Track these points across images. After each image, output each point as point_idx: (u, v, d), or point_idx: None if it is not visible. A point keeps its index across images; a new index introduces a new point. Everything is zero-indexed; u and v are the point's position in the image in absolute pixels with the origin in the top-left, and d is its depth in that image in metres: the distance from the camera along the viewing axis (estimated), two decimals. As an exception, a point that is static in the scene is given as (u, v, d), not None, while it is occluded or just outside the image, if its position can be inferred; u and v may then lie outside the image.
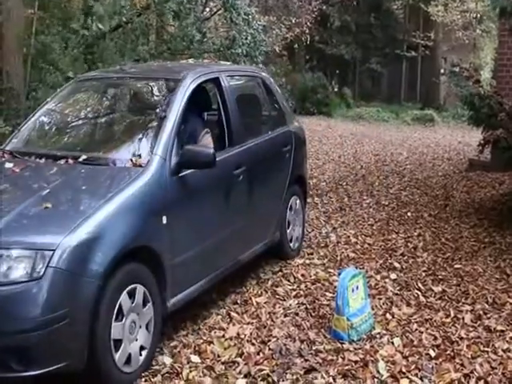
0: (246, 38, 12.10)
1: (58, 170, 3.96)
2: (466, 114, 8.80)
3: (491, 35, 25.72)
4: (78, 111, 4.97)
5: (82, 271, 3.19)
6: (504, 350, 3.92)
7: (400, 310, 4.60)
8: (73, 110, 5.00)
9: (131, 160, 3.92)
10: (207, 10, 13.76)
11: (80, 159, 3.99)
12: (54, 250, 3.11)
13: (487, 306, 4.67)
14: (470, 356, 3.84)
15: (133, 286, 3.51)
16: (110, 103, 5.05)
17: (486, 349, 3.94)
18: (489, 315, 4.50)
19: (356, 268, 5.40)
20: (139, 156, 3.95)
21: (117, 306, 3.37)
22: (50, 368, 3.09)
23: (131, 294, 3.50)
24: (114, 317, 3.36)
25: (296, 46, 21.71)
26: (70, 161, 3.99)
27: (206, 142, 4.67)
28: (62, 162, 4.00)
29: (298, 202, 5.91)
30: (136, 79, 5.10)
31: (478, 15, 25.64)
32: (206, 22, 12.95)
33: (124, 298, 3.43)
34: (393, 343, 4.02)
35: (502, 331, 4.21)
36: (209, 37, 12.33)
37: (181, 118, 4.23)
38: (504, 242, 6.29)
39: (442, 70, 27.35)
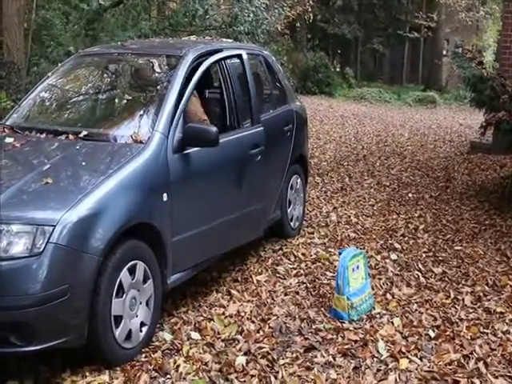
0: (248, 16, 11.99)
1: (59, 145, 3.93)
2: (468, 95, 8.79)
3: (495, 17, 25.58)
4: (78, 87, 4.92)
5: (83, 247, 3.18)
6: (503, 332, 3.92)
7: (400, 290, 4.60)
8: (74, 85, 4.95)
9: (132, 136, 3.89)
10: (210, -14, 13.60)
11: (81, 135, 3.96)
12: (54, 226, 3.09)
13: (487, 288, 4.67)
14: (469, 337, 3.84)
15: (133, 262, 3.49)
16: (111, 79, 5.00)
17: (485, 330, 3.95)
18: (489, 297, 4.50)
19: (356, 248, 5.40)
20: (140, 132, 3.92)
21: (117, 282, 3.37)
22: (50, 344, 3.09)
23: (132, 271, 3.49)
24: (115, 293, 3.35)
25: (298, 24, 21.52)
26: (71, 136, 3.96)
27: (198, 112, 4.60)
28: (63, 137, 3.97)
29: (298, 181, 5.89)
30: (137, 55, 5.04)
31: (482, -4, 25.45)
32: (208, -1, 12.82)
33: (124, 274, 3.42)
34: (393, 323, 4.02)
35: (502, 313, 4.22)
36: (211, 14, 12.21)
37: (182, 94, 4.18)
38: (505, 225, 6.29)
39: (445, 52, 27.20)
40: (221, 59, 4.79)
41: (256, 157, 4.76)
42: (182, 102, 4.10)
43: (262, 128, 4.93)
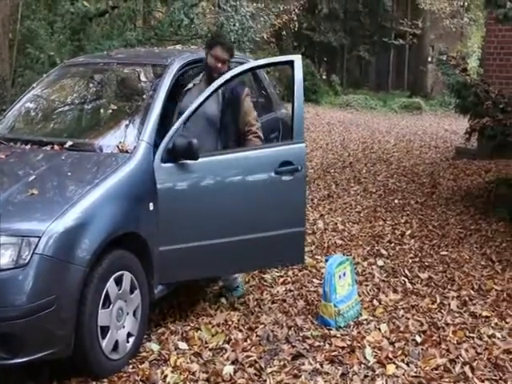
0: (234, 25, 12.05)
1: (44, 156, 3.93)
2: (453, 102, 8.84)
3: (478, 24, 25.79)
4: (64, 97, 4.92)
5: (69, 258, 3.18)
6: (489, 336, 3.95)
7: (387, 296, 4.63)
8: (59, 95, 4.94)
9: (117, 146, 3.89)
10: (195, -5, 13.64)
11: (66, 145, 3.96)
12: (39, 237, 3.09)
13: (473, 293, 4.71)
14: (455, 341, 3.87)
15: (120, 272, 3.49)
16: (97, 89, 5.00)
17: (471, 334, 3.98)
18: (474, 301, 4.54)
19: (343, 255, 5.42)
20: (125, 142, 3.92)
21: (104, 293, 3.36)
22: (37, 355, 3.08)
23: (118, 281, 3.49)
24: (101, 303, 3.34)
25: (284, 33, 21.63)
26: (56, 147, 3.96)
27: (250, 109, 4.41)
28: (48, 148, 3.97)
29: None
30: (123, 65, 5.04)
31: (466, 3, 25.72)
32: (194, 8, 12.85)
33: (111, 284, 3.42)
34: (379, 329, 4.04)
35: (488, 317, 4.25)
36: (196, 23, 12.24)
37: (168, 103, 4.19)
38: (490, 229, 6.34)
39: (430, 58, 27.41)
40: (200, 68, 4.79)
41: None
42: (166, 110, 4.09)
43: None
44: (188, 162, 3.92)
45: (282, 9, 17.70)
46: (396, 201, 7.63)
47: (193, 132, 4.03)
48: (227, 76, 4.18)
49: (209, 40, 4.48)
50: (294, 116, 4.19)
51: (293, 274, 5.04)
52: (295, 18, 19.71)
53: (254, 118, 4.39)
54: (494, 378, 3.45)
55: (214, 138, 4.33)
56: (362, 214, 7.00)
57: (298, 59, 4.27)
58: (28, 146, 4.04)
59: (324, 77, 27.05)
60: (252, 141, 4.30)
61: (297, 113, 4.19)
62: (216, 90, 4.16)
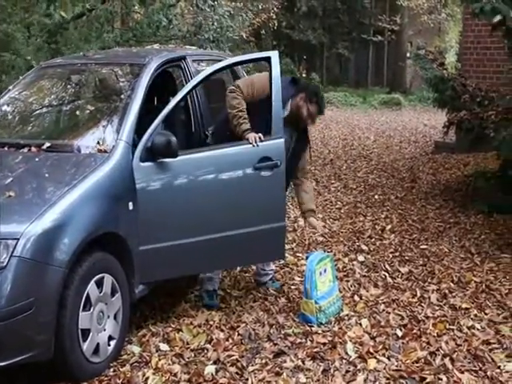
0: (213, 24, 12.03)
1: (22, 158, 3.89)
2: (432, 96, 8.92)
3: (456, 19, 26.01)
4: (41, 98, 4.88)
5: (48, 260, 3.15)
6: (469, 327, 3.99)
7: (368, 291, 4.66)
8: (36, 97, 4.90)
9: (96, 146, 3.88)
10: (173, -4, 13.59)
11: (44, 147, 3.93)
12: (17, 239, 3.07)
13: (452, 285, 4.75)
14: (435, 334, 3.90)
15: (100, 275, 3.47)
16: (74, 90, 4.96)
17: (451, 327, 4.02)
18: (454, 294, 4.58)
19: (324, 251, 5.44)
20: (104, 142, 3.91)
21: (84, 296, 3.34)
22: (16, 359, 3.05)
23: (99, 284, 3.47)
24: (82, 306, 3.33)
25: (263, 31, 21.67)
26: (34, 149, 3.93)
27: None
28: (26, 150, 3.94)
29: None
30: (100, 65, 5.01)
31: (443, -1, 25.90)
32: (172, 9, 12.80)
33: (92, 287, 3.40)
34: (361, 324, 4.06)
35: (467, 309, 4.30)
36: (175, 23, 12.21)
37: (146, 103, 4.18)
38: (468, 222, 6.40)
39: (408, 54, 27.56)
40: (178, 66, 4.79)
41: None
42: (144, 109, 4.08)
43: None
44: (167, 160, 3.91)
45: (260, 7, 17.73)
46: (376, 196, 7.68)
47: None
48: (205, 73, 4.18)
49: (313, 90, 4.46)
50: (272, 112, 4.19)
51: (274, 271, 5.04)
52: (274, 17, 19.76)
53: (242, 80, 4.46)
54: (474, 368, 3.48)
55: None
56: (342, 211, 7.03)
57: (274, 55, 4.27)
58: (5, 149, 4.01)
59: (304, 75, 27.07)
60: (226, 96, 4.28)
61: (275, 108, 4.19)
62: (193, 89, 4.16)
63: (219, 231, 4.05)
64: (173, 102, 4.05)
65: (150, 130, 3.90)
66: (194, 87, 4.16)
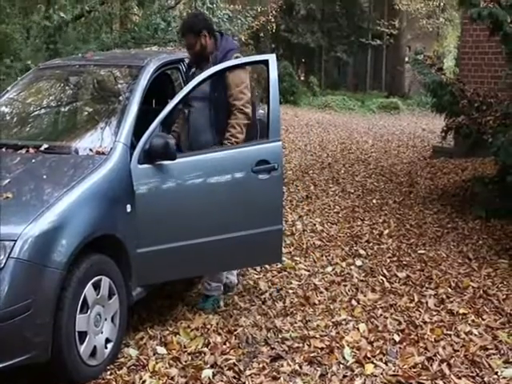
0: (212, 27, 12.01)
1: (20, 159, 3.89)
2: (430, 101, 8.92)
3: (454, 23, 26.09)
4: (39, 100, 4.88)
5: (45, 261, 3.14)
6: (466, 333, 3.99)
7: (365, 296, 4.65)
8: (34, 98, 4.90)
9: (94, 148, 3.87)
10: (172, -2, 13.62)
11: (42, 148, 3.93)
12: (15, 241, 3.06)
13: (450, 290, 4.74)
14: (433, 339, 3.89)
15: (98, 277, 3.46)
16: (73, 91, 4.96)
17: (448, 332, 4.01)
18: (451, 299, 4.58)
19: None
20: (102, 144, 3.90)
21: (81, 298, 3.33)
22: (14, 361, 3.04)
23: (96, 286, 3.46)
24: (79, 308, 3.31)
25: (262, 34, 21.69)
26: (32, 150, 3.92)
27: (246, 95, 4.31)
28: (23, 151, 3.93)
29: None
30: (98, 67, 5.02)
31: (441, 4, 25.97)
32: (171, 11, 12.82)
33: (89, 289, 3.39)
34: (358, 329, 4.05)
35: (465, 314, 4.29)
36: (173, 26, 12.21)
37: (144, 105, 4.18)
38: (466, 227, 6.40)
39: (407, 59, 27.62)
40: (176, 69, 4.80)
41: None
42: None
43: None
44: (165, 162, 3.90)
45: (259, 10, 17.76)
46: (374, 201, 7.68)
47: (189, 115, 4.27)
48: (200, 78, 4.17)
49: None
50: (270, 115, 4.17)
51: (272, 275, 5.04)
52: (273, 20, 19.78)
53: (239, 91, 4.26)
54: (471, 374, 3.47)
55: (208, 117, 4.34)
56: (340, 215, 7.03)
57: (272, 58, 4.26)
58: (3, 150, 4.00)
59: (302, 78, 27.14)
60: (235, 116, 4.23)
61: (272, 111, 4.18)
62: (190, 92, 4.15)
63: (216, 234, 4.04)
64: (171, 104, 4.05)
65: (148, 133, 3.89)
66: (192, 90, 4.15)
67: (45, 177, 3.76)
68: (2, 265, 3.02)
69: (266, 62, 4.26)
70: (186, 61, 4.85)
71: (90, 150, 3.87)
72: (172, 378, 3.42)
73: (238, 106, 4.24)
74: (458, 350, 3.75)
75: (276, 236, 4.26)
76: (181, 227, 3.98)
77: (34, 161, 3.84)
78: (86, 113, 4.69)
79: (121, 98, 4.40)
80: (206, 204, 4.04)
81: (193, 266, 4.11)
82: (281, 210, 4.38)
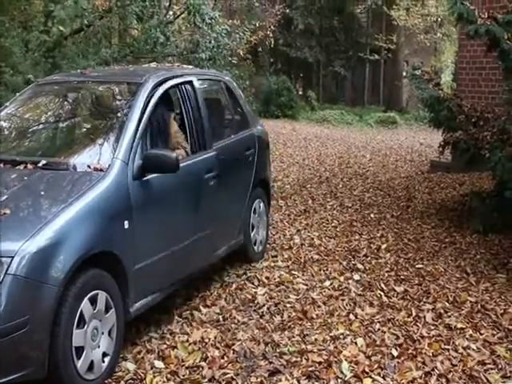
0: (210, 42, 12.10)
1: (17, 175, 3.90)
2: (427, 116, 8.96)
3: (452, 39, 26.21)
4: (38, 115, 4.90)
5: (42, 278, 3.15)
6: (464, 348, 3.99)
7: (363, 310, 4.65)
8: (33, 114, 4.93)
9: (92, 165, 3.89)
10: (170, 13, 13.70)
11: (39, 164, 3.94)
12: (12, 257, 3.06)
13: (448, 305, 4.74)
14: (431, 354, 3.90)
15: (94, 292, 3.47)
16: (71, 107, 4.98)
17: (446, 346, 4.01)
18: (449, 313, 4.58)
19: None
20: (100, 160, 3.92)
21: (78, 313, 3.33)
22: (10, 377, 3.03)
23: (93, 301, 3.46)
24: (76, 324, 3.31)
25: (260, 49, 21.80)
26: (30, 166, 3.93)
27: (173, 126, 4.74)
28: (21, 167, 3.94)
29: (261, 205, 5.93)
30: (97, 83, 5.05)
31: (439, 19, 26.15)
32: (170, 26, 12.89)
33: (85, 304, 3.39)
34: (356, 343, 4.05)
35: (462, 329, 4.29)
36: (172, 40, 12.29)
37: (143, 121, 4.20)
38: (464, 242, 6.41)
39: (404, 73, 27.76)
40: (175, 86, 4.85)
41: (210, 181, 4.77)
42: (140, 128, 4.11)
43: (214, 153, 4.94)
44: (153, 175, 4.04)
45: (257, 25, 17.86)
46: (372, 215, 7.69)
47: None
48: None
49: None
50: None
51: (269, 289, 5.05)
52: (271, 35, 19.87)
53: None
54: (469, 389, 3.48)
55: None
56: (338, 229, 7.03)
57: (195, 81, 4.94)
58: (1, 165, 4.01)
59: (300, 92, 27.25)
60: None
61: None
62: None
63: (200, 232, 4.61)
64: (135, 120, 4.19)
65: (129, 149, 3.96)
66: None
67: (42, 193, 3.77)
68: (0, 281, 3.02)
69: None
70: (178, 78, 4.90)
71: (88, 166, 3.90)
72: (169, 393, 3.42)
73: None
74: (456, 365, 3.75)
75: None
76: (169, 235, 4.27)
77: (31, 177, 3.85)
78: (85, 129, 4.71)
79: (119, 114, 4.43)
80: (191, 206, 4.61)
81: (183, 267, 4.46)
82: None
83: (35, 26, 10.65)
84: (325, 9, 26.86)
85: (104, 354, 3.54)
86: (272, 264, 5.69)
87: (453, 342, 4.07)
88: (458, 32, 13.49)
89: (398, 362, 3.79)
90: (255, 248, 5.75)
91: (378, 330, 4.29)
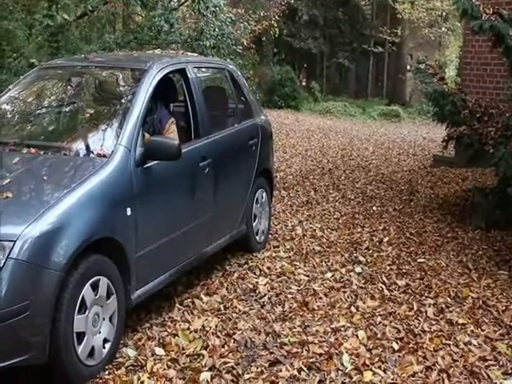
0: (214, 30, 12.02)
1: (20, 159, 3.88)
2: (431, 110, 8.91)
3: (456, 33, 26.14)
4: (41, 99, 4.87)
5: (44, 262, 3.13)
6: (465, 343, 3.97)
7: (364, 303, 4.63)
8: (36, 98, 4.89)
9: (95, 150, 3.86)
10: (175, 0, 13.62)
11: (43, 148, 3.91)
12: (14, 241, 3.04)
13: (449, 300, 4.73)
14: (432, 349, 3.88)
15: (96, 278, 3.45)
16: (75, 92, 4.93)
17: (447, 342, 3.99)
18: (451, 309, 4.56)
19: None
20: (103, 146, 3.89)
21: (79, 299, 3.32)
22: (11, 362, 3.03)
23: (94, 287, 3.45)
24: (77, 309, 3.30)
25: (264, 39, 21.66)
26: (33, 150, 3.91)
27: (171, 132, 4.64)
28: (25, 151, 3.92)
29: (264, 195, 5.91)
30: (101, 68, 5.01)
31: (444, 13, 26.03)
32: (174, 13, 12.80)
33: (87, 290, 3.38)
34: (357, 336, 4.04)
35: (464, 324, 4.28)
36: (176, 28, 12.20)
37: (146, 108, 4.18)
38: (466, 237, 6.39)
39: (408, 67, 27.67)
40: (179, 73, 4.83)
41: (204, 169, 4.70)
42: (140, 114, 4.09)
43: (209, 140, 4.87)
44: (154, 162, 4.00)
45: (262, 15, 17.76)
46: (374, 208, 7.66)
47: None
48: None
49: None
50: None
51: (271, 279, 5.03)
52: (275, 25, 19.76)
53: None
54: (470, 384, 3.47)
55: None
56: (340, 221, 7.01)
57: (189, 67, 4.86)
58: (3, 149, 3.98)
59: (304, 83, 27.16)
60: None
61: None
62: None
63: (201, 220, 4.62)
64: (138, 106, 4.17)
65: (131, 136, 3.93)
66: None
67: (45, 177, 3.73)
68: (1, 265, 3.00)
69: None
70: (189, 66, 4.86)
71: (92, 152, 3.87)
72: (170, 380, 3.41)
73: None
74: (457, 360, 3.74)
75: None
76: (170, 221, 4.26)
77: (34, 161, 3.82)
78: (88, 114, 4.67)
79: (123, 100, 4.40)
80: (193, 193, 4.58)
81: (184, 251, 4.46)
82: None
83: (38, 11, 10.57)
84: (329, 0, 26.71)
85: (105, 340, 3.54)
86: (274, 254, 5.68)
87: (454, 338, 4.05)
88: (462, 27, 13.41)
89: (399, 356, 3.78)
90: (257, 238, 5.74)
91: (380, 323, 4.28)
